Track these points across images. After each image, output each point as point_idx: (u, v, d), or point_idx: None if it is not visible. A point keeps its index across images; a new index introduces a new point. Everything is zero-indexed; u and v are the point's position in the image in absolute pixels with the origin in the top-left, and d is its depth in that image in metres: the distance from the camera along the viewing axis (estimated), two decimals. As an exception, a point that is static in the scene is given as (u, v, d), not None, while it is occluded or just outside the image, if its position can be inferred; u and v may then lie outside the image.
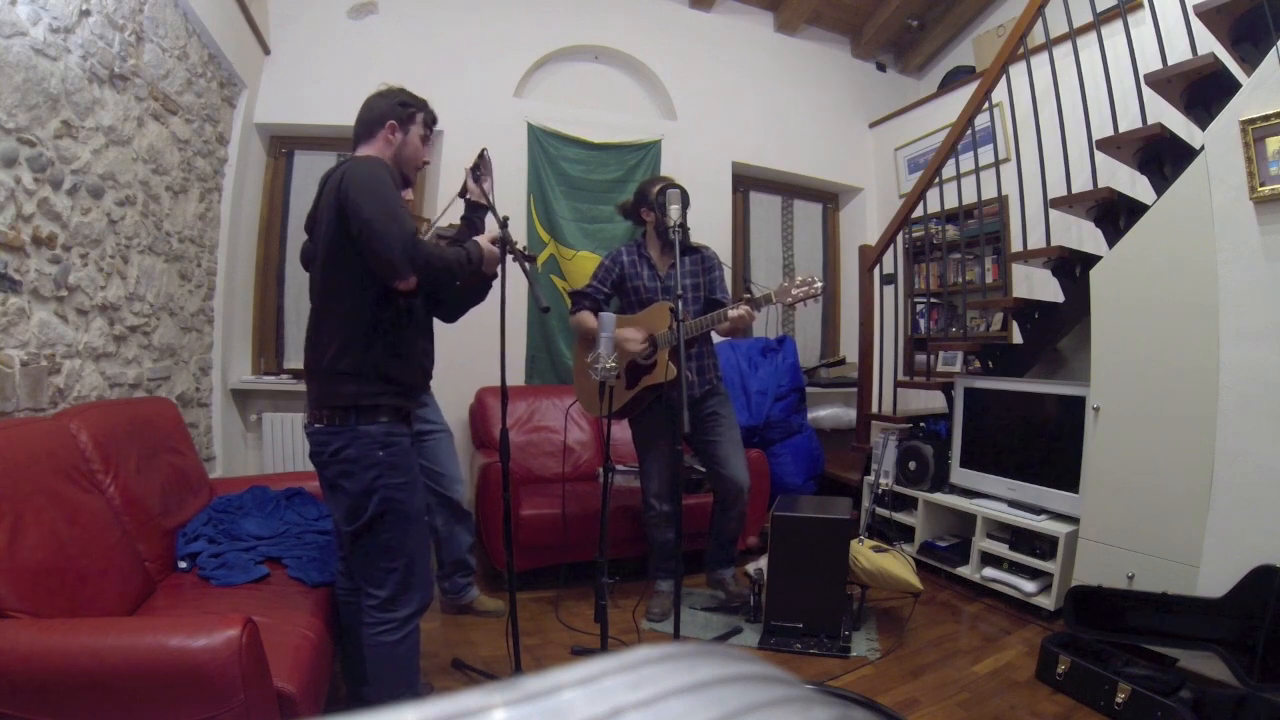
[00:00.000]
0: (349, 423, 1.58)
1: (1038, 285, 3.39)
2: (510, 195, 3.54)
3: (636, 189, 2.73)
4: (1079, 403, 2.58)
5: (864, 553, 2.54)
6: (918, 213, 3.55)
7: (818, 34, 4.76)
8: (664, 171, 3.93)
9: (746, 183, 4.64)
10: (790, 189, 4.82)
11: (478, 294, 2.50)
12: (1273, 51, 1.93)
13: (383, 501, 1.58)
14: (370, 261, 1.54)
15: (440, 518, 2.53)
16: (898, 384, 3.79)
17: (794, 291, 2.31)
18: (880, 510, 3.32)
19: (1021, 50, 2.93)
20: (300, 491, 2.39)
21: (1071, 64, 2.73)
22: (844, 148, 4.78)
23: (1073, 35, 2.74)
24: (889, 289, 4.38)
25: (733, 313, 2.35)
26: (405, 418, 1.69)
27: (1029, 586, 2.67)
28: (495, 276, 2.17)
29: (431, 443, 2.52)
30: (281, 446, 3.39)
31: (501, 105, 3.76)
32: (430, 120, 1.80)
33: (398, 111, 1.75)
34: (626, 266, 2.64)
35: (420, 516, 1.68)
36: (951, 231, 3.91)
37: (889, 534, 3.13)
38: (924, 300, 4.43)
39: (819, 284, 2.31)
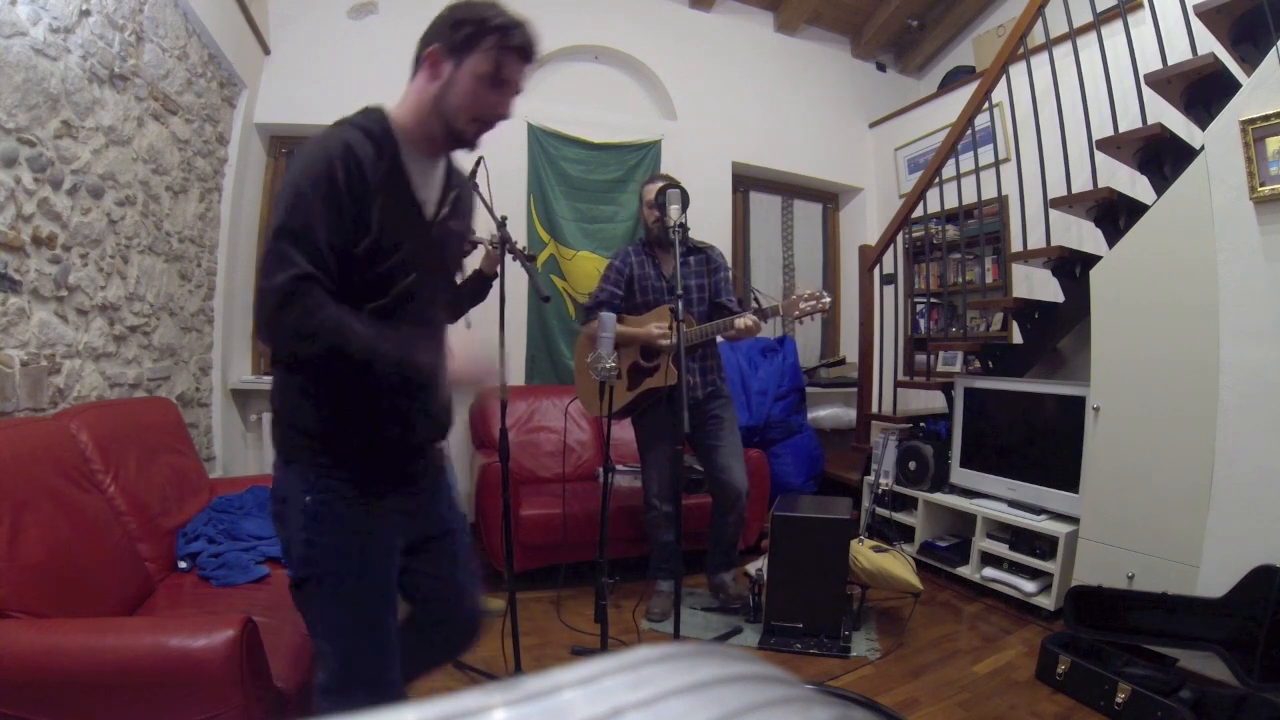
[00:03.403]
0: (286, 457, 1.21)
1: (1038, 285, 3.39)
2: (510, 195, 3.54)
3: (640, 189, 2.74)
4: (1079, 403, 2.58)
5: (864, 553, 2.54)
6: (918, 213, 3.55)
7: (818, 34, 4.76)
8: (664, 171, 3.93)
9: (746, 183, 4.64)
10: (790, 189, 4.82)
11: (478, 294, 2.51)
12: (1273, 51, 1.93)
13: (303, 564, 1.17)
14: None
15: None
16: (898, 384, 3.79)
17: (802, 305, 2.33)
18: (880, 510, 3.32)
19: (1021, 50, 2.93)
20: (300, 491, 2.39)
21: (1071, 64, 2.73)
22: (844, 148, 4.78)
23: (1073, 35, 2.74)
24: (889, 289, 4.38)
25: (739, 323, 2.36)
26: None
27: (1029, 586, 2.66)
28: (495, 277, 2.17)
29: None
30: (281, 446, 3.39)
31: (501, 105, 3.76)
32: (512, 50, 1.16)
33: (445, 34, 1.16)
34: (635, 267, 2.64)
35: (367, 600, 1.18)
36: (951, 231, 3.91)
37: (889, 534, 3.13)
38: (924, 300, 4.43)
39: (827, 298, 2.34)
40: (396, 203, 1.14)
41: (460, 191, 1.31)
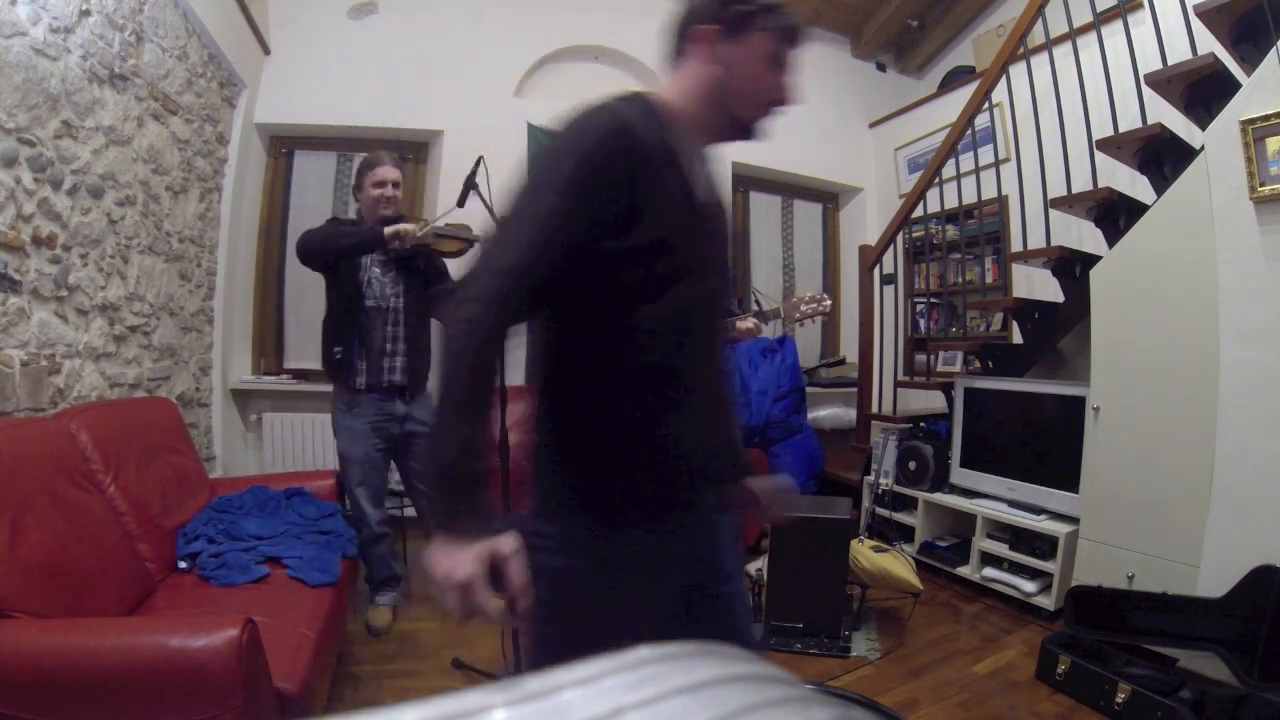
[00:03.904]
0: None
1: (1038, 285, 3.39)
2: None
3: None
4: (1079, 403, 2.58)
5: (864, 553, 2.54)
6: (918, 213, 3.55)
7: (818, 34, 4.76)
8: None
9: (746, 183, 4.64)
10: (790, 189, 4.82)
11: None
12: (1273, 51, 1.93)
13: (549, 622, 0.99)
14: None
15: None
16: (898, 384, 3.79)
17: (802, 308, 2.35)
18: (880, 510, 3.32)
19: (1021, 50, 2.93)
20: (300, 491, 2.39)
21: (1071, 64, 2.72)
22: (844, 148, 4.78)
23: (1073, 35, 2.74)
24: (889, 289, 4.38)
25: (740, 325, 2.37)
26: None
27: (1029, 586, 2.66)
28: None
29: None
30: (281, 446, 3.39)
31: (501, 105, 3.76)
32: (789, 30, 1.05)
33: (716, 12, 1.02)
34: None
35: None
36: (951, 231, 3.91)
37: (889, 534, 3.13)
38: (924, 300, 4.43)
39: (828, 302, 2.36)
40: (676, 195, 0.99)
41: (719, 194, 1.14)
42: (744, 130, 1.08)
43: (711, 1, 1.02)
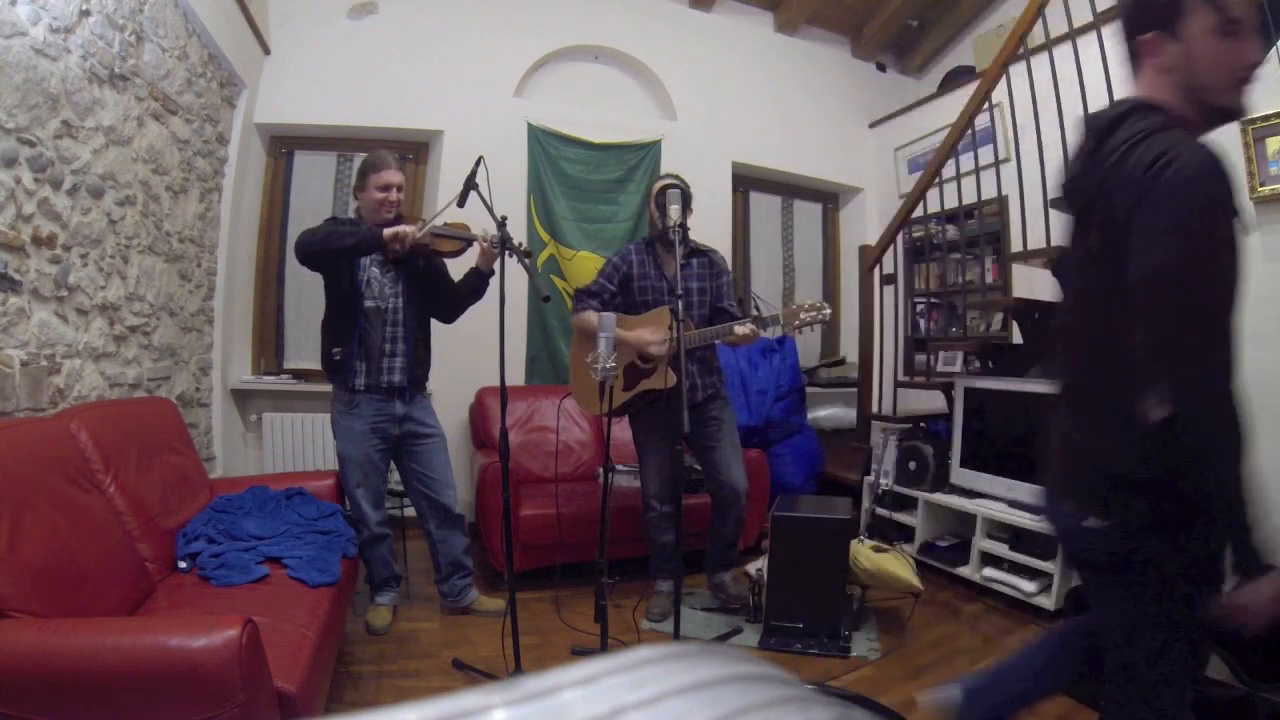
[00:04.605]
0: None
1: (1038, 285, 3.39)
2: (510, 195, 3.53)
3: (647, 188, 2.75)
4: (1079, 403, 2.57)
5: (864, 553, 2.54)
6: (918, 213, 3.55)
7: (818, 34, 4.76)
8: (664, 171, 3.93)
9: (746, 183, 4.64)
10: (790, 189, 4.82)
11: (475, 293, 2.51)
12: (1273, 51, 1.93)
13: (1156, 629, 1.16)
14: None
15: (433, 522, 2.55)
16: (898, 384, 3.79)
17: (802, 315, 2.35)
18: (880, 510, 3.32)
19: (1021, 50, 2.93)
20: (300, 491, 2.39)
21: (1071, 64, 2.73)
22: (844, 148, 4.78)
23: (1073, 35, 2.74)
24: (889, 289, 4.38)
25: (739, 330, 2.37)
26: None
27: (1029, 586, 2.66)
28: (492, 274, 2.16)
29: (428, 447, 2.53)
30: (281, 446, 3.39)
31: (501, 105, 3.76)
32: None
33: (1146, 16, 1.02)
34: (635, 265, 2.64)
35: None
36: (951, 231, 3.91)
37: (889, 534, 3.13)
38: (924, 300, 4.43)
39: (827, 310, 2.36)
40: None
41: None
42: (1228, 116, 1.07)
43: (1133, 8, 1.04)
